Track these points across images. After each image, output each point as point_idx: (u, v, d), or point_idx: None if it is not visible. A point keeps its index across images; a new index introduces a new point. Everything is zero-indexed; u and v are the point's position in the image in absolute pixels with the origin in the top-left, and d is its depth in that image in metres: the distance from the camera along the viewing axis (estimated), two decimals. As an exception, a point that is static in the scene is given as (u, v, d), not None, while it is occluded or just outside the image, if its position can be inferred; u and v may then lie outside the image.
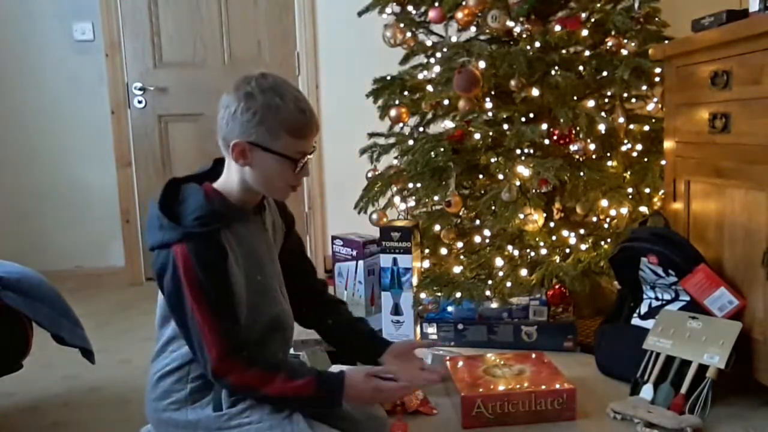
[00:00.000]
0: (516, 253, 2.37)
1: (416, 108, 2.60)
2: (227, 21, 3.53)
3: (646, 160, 2.43)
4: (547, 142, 2.35)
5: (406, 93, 2.64)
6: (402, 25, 2.60)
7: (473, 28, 2.57)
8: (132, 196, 3.60)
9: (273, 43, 3.56)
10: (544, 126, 2.33)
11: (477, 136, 2.34)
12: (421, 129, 2.74)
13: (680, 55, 2.00)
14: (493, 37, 2.57)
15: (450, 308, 2.38)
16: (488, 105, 2.43)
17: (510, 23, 2.34)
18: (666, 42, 2.32)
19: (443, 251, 2.55)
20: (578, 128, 2.28)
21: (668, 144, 2.11)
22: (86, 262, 3.63)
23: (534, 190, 2.28)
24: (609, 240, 2.36)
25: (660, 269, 1.95)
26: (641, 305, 2.07)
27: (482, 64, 2.33)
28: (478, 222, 2.52)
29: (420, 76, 2.61)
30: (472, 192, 2.58)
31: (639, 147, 2.46)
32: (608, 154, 2.46)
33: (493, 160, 2.33)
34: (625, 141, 2.44)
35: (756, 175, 1.68)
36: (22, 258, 2.08)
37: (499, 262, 2.36)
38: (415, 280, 2.43)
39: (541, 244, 2.33)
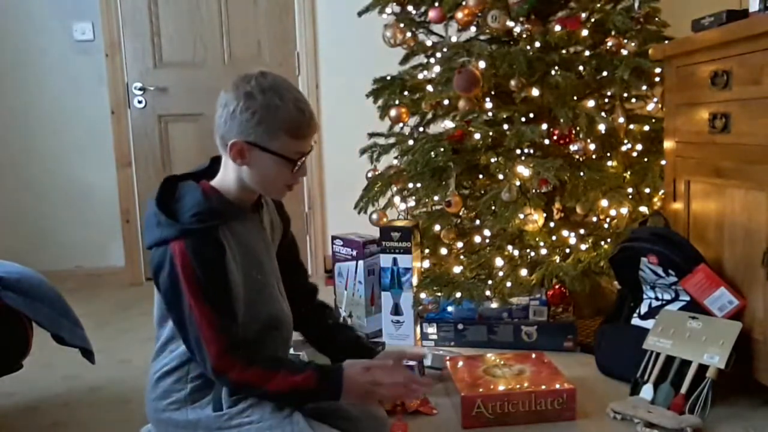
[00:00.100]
0: (516, 253, 2.37)
1: (416, 108, 2.60)
2: (227, 21, 3.53)
3: (646, 160, 2.43)
4: (547, 142, 2.36)
5: (406, 93, 2.64)
6: (402, 25, 2.60)
7: (473, 28, 2.57)
8: (132, 196, 3.60)
9: (273, 43, 3.56)
10: (544, 126, 2.33)
11: (477, 136, 2.34)
12: (421, 129, 2.74)
13: (680, 55, 2.00)
14: (493, 37, 2.57)
15: (450, 308, 2.38)
16: (488, 105, 2.43)
17: (510, 23, 2.34)
18: (666, 42, 2.32)
19: (443, 251, 2.55)
20: (578, 128, 2.28)
21: (668, 144, 2.11)
22: (86, 262, 3.63)
23: (534, 190, 2.28)
24: (609, 240, 2.36)
25: (660, 269, 1.95)
26: (641, 305, 2.07)
27: (482, 64, 2.33)
28: (478, 222, 2.52)
29: (420, 76, 2.61)
30: (472, 192, 2.58)
31: (639, 147, 2.46)
32: (608, 154, 2.46)
33: (493, 160, 2.33)
34: (625, 141, 2.44)
35: (756, 175, 1.68)
36: (22, 258, 2.08)
37: (499, 262, 2.36)
38: (415, 280, 2.43)
39: (541, 244, 2.33)
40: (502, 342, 2.32)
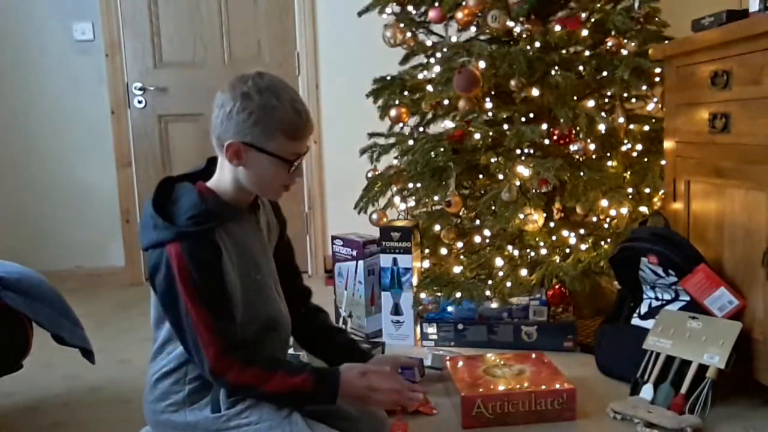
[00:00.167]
0: (516, 253, 2.37)
1: (416, 108, 2.60)
2: (227, 21, 3.53)
3: (646, 160, 2.43)
4: (547, 142, 2.36)
5: (406, 93, 2.64)
6: (402, 25, 2.60)
7: (473, 28, 2.57)
8: (132, 196, 3.60)
9: (273, 43, 3.56)
10: (544, 126, 2.33)
11: (477, 136, 2.34)
12: (421, 129, 2.74)
13: (680, 55, 2.00)
14: (493, 37, 2.57)
15: (450, 308, 2.38)
16: (488, 105, 2.43)
17: (510, 23, 2.34)
18: (666, 42, 2.32)
19: (443, 251, 2.55)
20: (578, 128, 2.28)
21: (668, 144, 2.11)
22: (86, 262, 3.63)
23: (534, 190, 2.28)
24: (609, 240, 2.36)
25: (660, 269, 1.95)
26: (641, 305, 2.07)
27: (482, 64, 2.33)
28: (478, 222, 2.51)
29: (420, 76, 2.61)
30: (472, 192, 2.58)
31: (639, 147, 2.46)
32: (608, 154, 2.46)
33: (493, 160, 2.33)
34: (625, 141, 2.44)
35: (756, 175, 1.68)
36: (22, 258, 2.08)
37: (499, 262, 2.36)
38: (415, 280, 2.43)
39: (541, 244, 2.33)
40: (502, 342, 2.32)
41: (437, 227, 2.52)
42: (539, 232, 2.31)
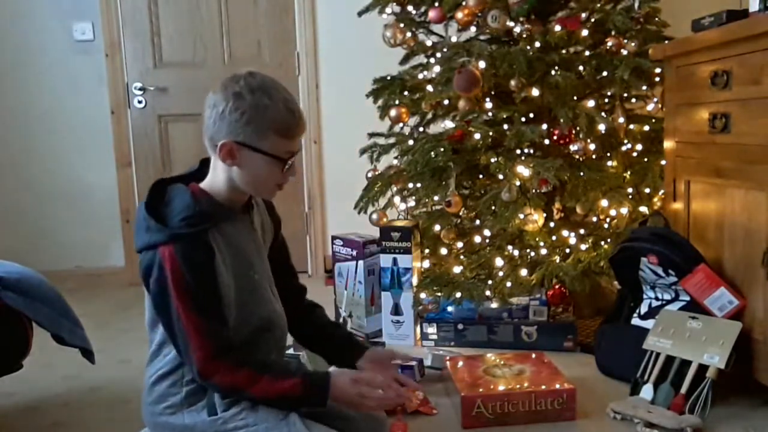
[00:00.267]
0: (516, 253, 2.37)
1: (416, 108, 2.60)
2: (227, 21, 3.53)
3: (646, 160, 2.43)
4: (547, 142, 2.36)
5: (406, 93, 2.64)
6: (402, 25, 2.60)
7: (473, 28, 2.57)
8: (132, 196, 3.60)
9: (273, 43, 3.56)
10: (544, 126, 2.33)
11: (477, 136, 2.34)
12: (421, 129, 2.74)
13: (680, 55, 2.00)
14: (493, 37, 2.57)
15: (450, 308, 2.38)
16: (488, 105, 2.43)
17: (510, 23, 2.34)
18: (666, 42, 2.32)
19: (443, 251, 2.55)
20: (578, 128, 2.28)
21: (668, 144, 2.11)
22: (86, 262, 3.63)
23: (534, 190, 2.28)
24: (609, 240, 2.36)
25: (660, 269, 1.95)
26: (641, 305, 2.07)
27: (482, 64, 2.33)
28: (478, 222, 2.51)
29: (420, 76, 2.61)
30: (472, 192, 2.58)
31: (639, 147, 2.46)
32: (608, 154, 2.46)
33: (493, 160, 2.33)
34: (625, 141, 2.44)
35: (756, 175, 1.68)
36: (22, 258, 2.08)
37: (499, 262, 2.36)
38: (415, 280, 2.43)
39: (541, 244, 2.33)
40: (502, 342, 2.32)
41: (437, 227, 2.52)
42: (539, 232, 2.31)
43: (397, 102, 2.62)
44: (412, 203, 2.68)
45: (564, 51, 2.37)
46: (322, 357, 1.52)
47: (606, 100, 2.49)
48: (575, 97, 2.38)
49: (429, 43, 2.66)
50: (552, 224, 2.41)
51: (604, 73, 2.36)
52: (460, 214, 2.53)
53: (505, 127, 2.36)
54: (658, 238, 1.98)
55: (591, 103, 2.36)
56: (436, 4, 2.49)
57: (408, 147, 2.56)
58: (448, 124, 2.55)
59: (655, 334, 1.87)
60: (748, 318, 1.77)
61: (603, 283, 2.37)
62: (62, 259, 3.57)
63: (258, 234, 1.41)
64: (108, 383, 2.16)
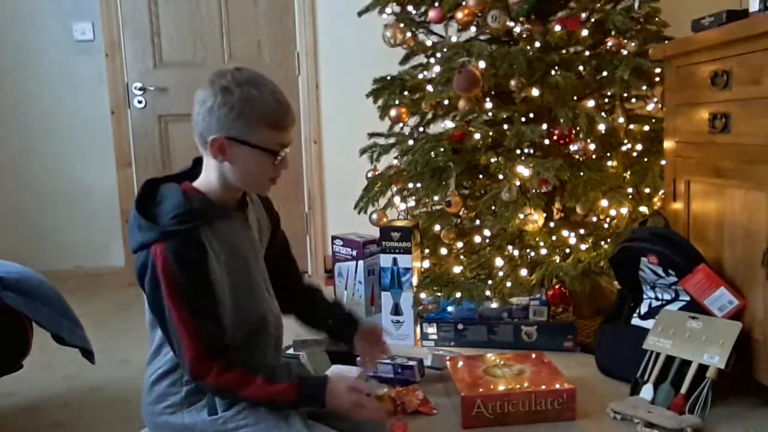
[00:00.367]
0: (516, 253, 2.37)
1: (416, 108, 2.60)
2: (227, 21, 3.53)
3: (646, 160, 2.43)
4: (547, 142, 2.36)
5: (406, 93, 2.64)
6: (402, 25, 2.60)
7: (473, 28, 2.57)
8: (132, 196, 3.59)
9: (273, 43, 3.56)
10: (544, 126, 2.34)
11: (477, 136, 2.34)
12: (421, 129, 2.74)
13: (680, 55, 2.00)
14: (493, 37, 2.57)
15: (450, 308, 2.38)
16: (488, 105, 2.43)
17: (510, 23, 2.34)
18: (666, 42, 2.32)
19: (443, 251, 2.55)
20: (578, 128, 2.28)
21: (668, 144, 2.11)
22: (86, 262, 3.63)
23: (534, 190, 2.28)
24: (609, 240, 2.36)
25: (660, 269, 1.95)
26: (641, 305, 2.07)
27: (482, 64, 2.33)
28: (478, 222, 2.52)
29: (420, 76, 2.61)
30: (472, 192, 2.58)
31: (639, 147, 2.46)
32: (608, 154, 2.46)
33: (493, 160, 2.33)
34: (625, 141, 2.44)
35: (756, 175, 1.68)
36: (22, 258, 2.08)
37: (499, 262, 2.36)
38: (415, 280, 2.43)
39: (541, 244, 2.33)
40: (502, 342, 2.32)
41: (437, 227, 2.52)
42: (539, 232, 2.31)
43: (397, 102, 2.62)
44: (412, 203, 2.68)
45: (564, 51, 2.38)
46: (328, 334, 1.53)
47: (606, 100, 2.50)
48: (575, 97, 2.38)
49: (429, 43, 2.66)
50: (552, 224, 2.41)
51: (604, 73, 2.36)
52: (460, 214, 2.53)
53: (505, 127, 2.36)
54: (658, 238, 1.98)
55: (591, 103, 2.36)
56: (436, 4, 2.49)
57: (408, 147, 2.56)
58: (448, 124, 2.55)
59: (655, 334, 1.87)
60: (748, 318, 1.77)
61: (603, 283, 2.37)
62: (62, 259, 3.57)
63: (253, 231, 1.40)
64: (108, 383, 2.16)
